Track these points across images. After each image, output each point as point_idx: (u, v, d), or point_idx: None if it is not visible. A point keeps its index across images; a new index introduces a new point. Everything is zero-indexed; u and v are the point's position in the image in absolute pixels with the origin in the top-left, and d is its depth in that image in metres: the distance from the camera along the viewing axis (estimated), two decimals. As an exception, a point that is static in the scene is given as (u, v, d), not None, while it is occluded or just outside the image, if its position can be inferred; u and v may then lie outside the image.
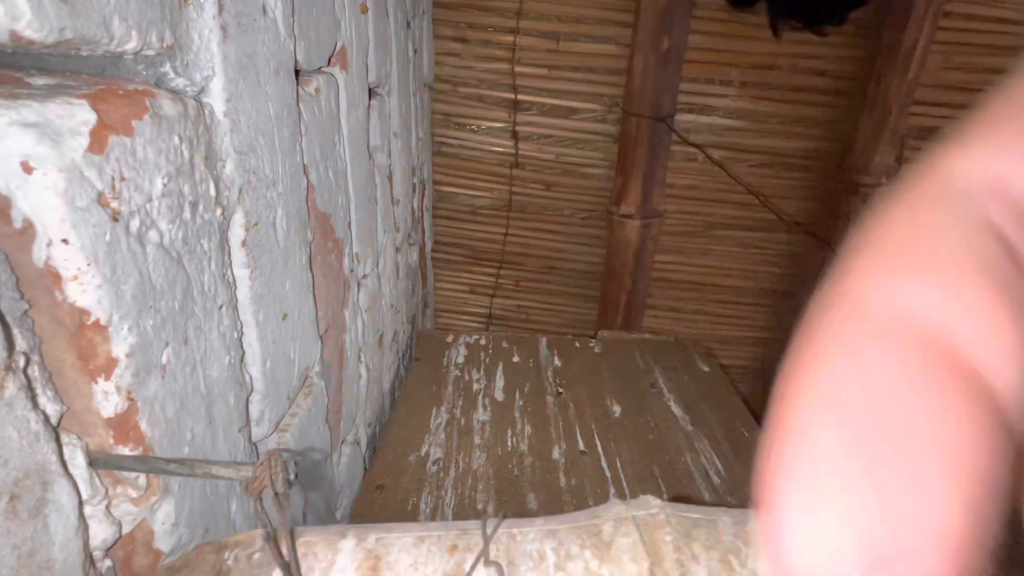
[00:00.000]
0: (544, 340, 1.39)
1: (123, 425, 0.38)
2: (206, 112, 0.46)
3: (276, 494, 0.32)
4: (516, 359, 1.29)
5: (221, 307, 0.48)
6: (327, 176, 0.74)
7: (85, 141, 0.33)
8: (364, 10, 0.85)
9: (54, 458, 0.34)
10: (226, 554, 0.34)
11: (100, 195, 0.34)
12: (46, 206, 0.31)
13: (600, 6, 1.40)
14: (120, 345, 0.36)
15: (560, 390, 1.19)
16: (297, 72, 0.62)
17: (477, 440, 1.03)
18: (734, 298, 1.70)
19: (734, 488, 0.94)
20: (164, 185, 0.40)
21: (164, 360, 0.41)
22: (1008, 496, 0.10)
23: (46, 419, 0.34)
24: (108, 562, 0.39)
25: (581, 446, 1.02)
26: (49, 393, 0.34)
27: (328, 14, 0.70)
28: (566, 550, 0.32)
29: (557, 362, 1.30)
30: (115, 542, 0.39)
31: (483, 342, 1.36)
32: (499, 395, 1.16)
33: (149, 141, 0.38)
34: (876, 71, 1.35)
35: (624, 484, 0.95)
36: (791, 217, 1.57)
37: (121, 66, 0.41)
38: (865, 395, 0.11)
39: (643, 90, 1.40)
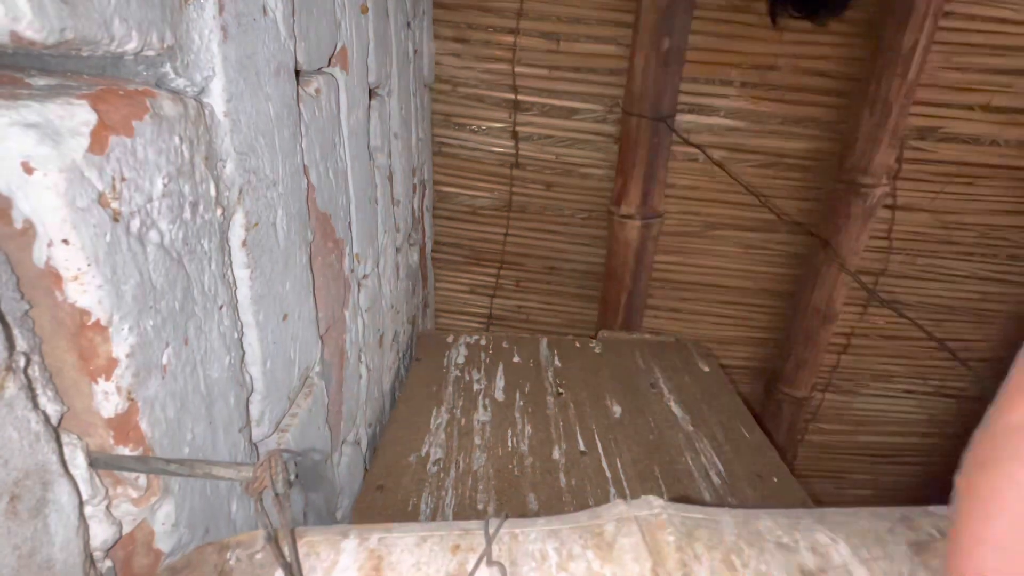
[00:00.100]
0: (544, 340, 1.39)
1: (123, 425, 0.38)
2: (206, 112, 0.46)
3: (277, 494, 0.32)
4: (516, 359, 1.29)
5: (221, 307, 0.48)
6: (327, 176, 0.74)
7: (86, 141, 0.33)
8: (364, 10, 0.85)
9: (54, 458, 0.34)
10: (228, 554, 0.34)
11: (100, 195, 0.34)
12: (47, 207, 0.31)
13: (600, 6, 1.40)
14: (120, 345, 0.36)
15: (560, 390, 1.19)
16: (297, 72, 0.62)
17: (477, 440, 1.02)
18: (735, 298, 1.70)
19: (735, 488, 0.94)
20: (164, 185, 0.40)
21: (164, 360, 0.41)
22: None
23: (46, 419, 0.34)
24: (108, 562, 0.39)
25: (581, 446, 1.02)
26: (49, 393, 0.34)
27: (328, 14, 0.70)
28: (568, 550, 0.32)
29: (557, 362, 1.30)
30: (115, 542, 0.39)
31: (483, 342, 1.36)
32: (499, 395, 1.16)
33: (149, 141, 0.38)
34: (877, 71, 1.35)
35: (625, 484, 0.95)
36: (791, 217, 1.57)
37: (121, 66, 0.41)
38: None
39: (643, 90, 1.40)
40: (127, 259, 0.36)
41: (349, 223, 0.84)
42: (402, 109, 1.14)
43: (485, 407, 1.12)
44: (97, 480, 0.37)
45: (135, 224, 0.37)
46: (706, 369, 1.31)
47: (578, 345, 1.39)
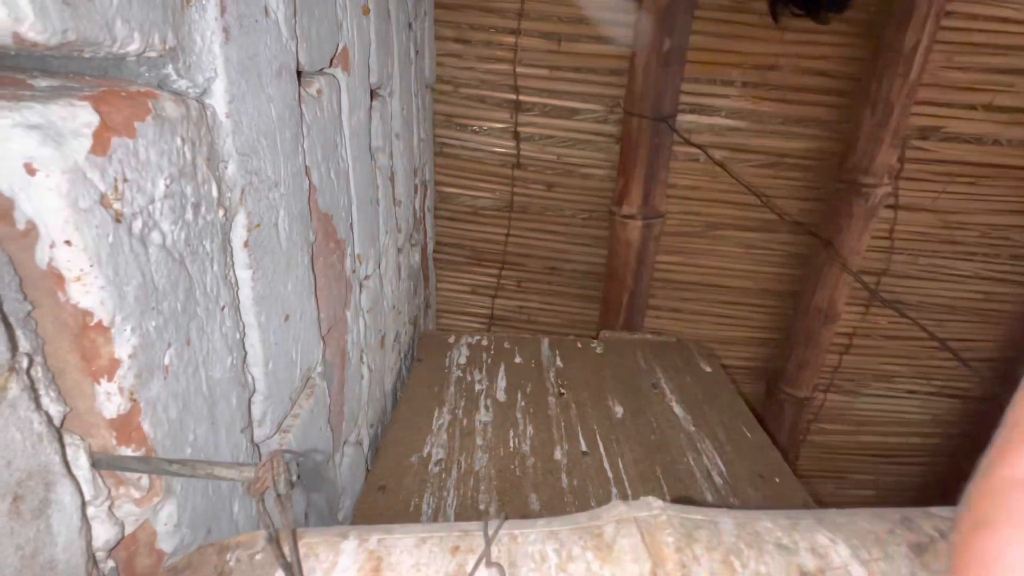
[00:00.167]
0: (546, 341, 1.39)
1: (126, 426, 0.38)
2: (208, 114, 0.46)
3: (278, 495, 0.32)
4: (518, 360, 1.29)
5: (223, 308, 0.48)
6: (329, 177, 0.74)
7: (88, 143, 0.33)
8: (366, 11, 0.85)
9: (57, 459, 0.34)
10: (228, 555, 0.34)
11: (103, 196, 0.34)
12: (49, 208, 0.32)
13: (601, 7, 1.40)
14: (123, 346, 0.36)
15: (562, 391, 1.19)
16: (299, 73, 0.62)
17: (479, 441, 1.03)
18: (736, 298, 1.70)
19: (736, 489, 0.94)
20: (166, 186, 0.40)
21: (167, 361, 0.41)
22: None
23: (49, 420, 0.34)
24: (111, 563, 0.39)
25: (583, 447, 1.02)
26: (52, 394, 0.34)
27: (330, 15, 0.70)
28: (568, 551, 0.32)
29: (559, 362, 1.30)
30: (118, 543, 0.39)
31: (485, 343, 1.36)
32: (501, 396, 1.16)
33: (151, 143, 0.38)
34: (878, 71, 1.35)
35: (627, 485, 0.95)
36: (793, 217, 1.56)
37: (123, 68, 0.41)
38: None
39: (644, 90, 1.40)
40: (129, 260, 0.36)
41: (351, 224, 0.84)
42: (404, 110, 1.14)
43: (487, 407, 1.12)
44: (100, 481, 0.37)
45: (137, 225, 0.37)
46: (708, 369, 1.31)
47: (579, 345, 1.39)
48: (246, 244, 0.52)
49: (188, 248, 0.43)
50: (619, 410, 1.13)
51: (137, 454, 0.38)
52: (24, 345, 0.32)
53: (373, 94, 0.93)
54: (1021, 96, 1.40)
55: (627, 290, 1.63)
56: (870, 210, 1.45)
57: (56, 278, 0.33)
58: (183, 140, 0.41)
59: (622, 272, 1.62)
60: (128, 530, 0.39)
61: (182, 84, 0.44)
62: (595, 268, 1.68)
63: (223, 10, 0.45)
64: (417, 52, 1.26)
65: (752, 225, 1.60)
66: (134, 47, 0.38)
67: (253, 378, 0.56)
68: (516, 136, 1.54)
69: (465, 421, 1.07)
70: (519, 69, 1.46)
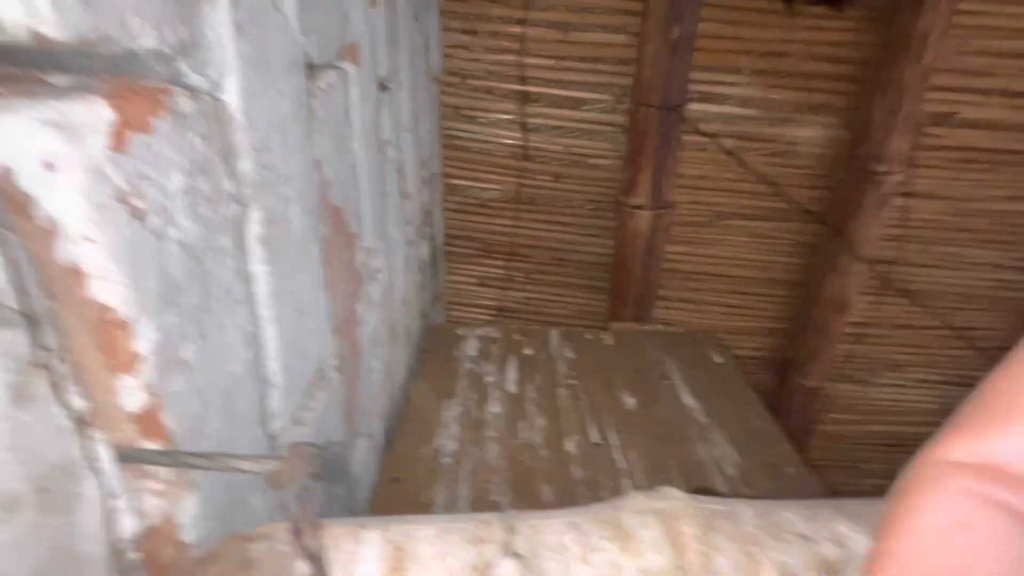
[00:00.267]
0: (555, 332, 1.39)
1: (148, 420, 0.38)
2: (222, 108, 0.46)
3: (300, 487, 0.32)
4: (528, 351, 1.29)
5: (240, 304, 0.49)
6: (339, 170, 0.74)
7: (106, 139, 0.33)
8: (373, 4, 0.85)
9: (81, 453, 0.35)
10: (252, 546, 0.34)
11: (122, 193, 0.34)
12: (69, 204, 0.32)
13: (609, -5, 1.39)
14: (143, 341, 0.37)
15: (572, 382, 1.19)
16: (309, 67, 0.62)
17: (490, 433, 1.03)
18: (746, 288, 1.69)
19: (749, 479, 0.94)
20: (183, 181, 0.40)
21: (186, 356, 0.41)
22: None
23: (73, 415, 0.34)
24: (135, 554, 0.39)
25: (594, 438, 1.02)
26: (76, 389, 0.35)
27: (338, 8, 0.70)
28: (589, 542, 0.33)
29: (569, 354, 1.30)
30: (142, 535, 0.39)
31: (495, 335, 1.36)
32: (511, 387, 1.16)
33: (167, 138, 0.38)
34: (890, 57, 1.33)
35: (638, 476, 0.95)
36: (804, 206, 1.55)
37: (138, 64, 0.41)
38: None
39: (653, 79, 1.39)
40: (148, 256, 0.36)
41: (361, 217, 0.84)
42: (412, 102, 1.14)
43: (497, 399, 1.12)
44: (123, 474, 0.38)
45: (155, 221, 0.37)
46: (719, 360, 1.30)
47: (589, 337, 1.39)
48: (261, 239, 0.53)
49: (205, 244, 0.43)
50: (630, 401, 1.13)
51: (159, 447, 0.39)
52: (47, 341, 0.33)
53: (382, 87, 0.93)
54: (1037, 80, 1.37)
55: (636, 280, 1.62)
56: (882, 198, 1.44)
57: (77, 274, 0.33)
58: (198, 135, 0.41)
59: (631, 262, 1.61)
60: (152, 522, 0.40)
61: (195, 79, 0.44)
62: (604, 259, 1.68)
63: (235, 4, 0.45)
64: (424, 44, 1.26)
65: (762, 214, 1.59)
66: (148, 42, 0.38)
67: (269, 372, 0.56)
68: (524, 127, 1.53)
69: (476, 413, 1.08)
70: (526, 59, 1.45)
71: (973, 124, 1.43)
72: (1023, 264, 1.58)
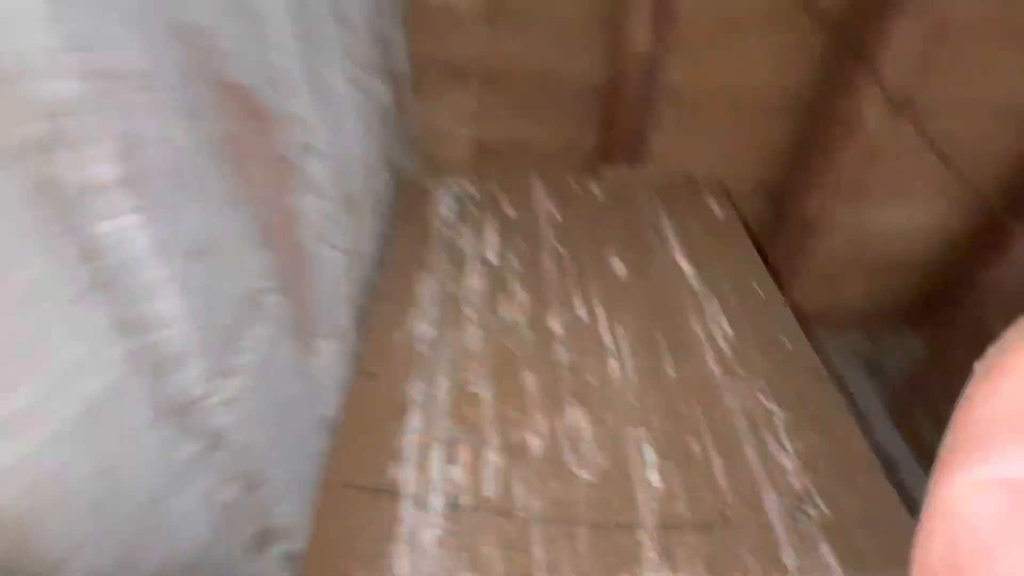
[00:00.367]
0: (539, 183, 1.24)
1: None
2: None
3: None
4: (509, 211, 1.16)
5: (88, 296, 0.35)
6: (237, 30, 0.53)
7: None
8: None
9: None
10: None
11: None
12: None
13: None
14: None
15: (557, 247, 1.08)
16: None
17: (468, 312, 0.95)
18: (751, 113, 1.49)
19: (743, 356, 0.89)
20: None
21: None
22: None
23: None
24: None
25: (580, 314, 0.95)
26: None
27: None
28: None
29: (553, 210, 1.17)
30: None
31: (471, 191, 1.22)
32: (492, 257, 1.06)
33: None
34: None
35: (626, 355, 0.90)
36: (822, 18, 1.29)
37: None
38: None
39: None
40: None
41: (278, 82, 0.65)
42: None
43: (476, 272, 1.02)
44: None
45: None
46: (719, 213, 1.18)
47: (576, 186, 1.24)
48: (121, 180, 0.37)
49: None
50: (620, 268, 1.04)
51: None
52: None
53: None
54: None
55: (630, 109, 1.42)
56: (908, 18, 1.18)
57: None
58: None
59: (625, 86, 1.39)
60: None
61: None
62: (595, 84, 1.45)
63: None
64: None
65: (777, 26, 1.33)
66: None
67: (170, 348, 0.44)
68: (494, -87, 1.19)
69: (453, 289, 0.99)
70: None
71: None
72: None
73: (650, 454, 0.74)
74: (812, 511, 0.70)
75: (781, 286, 1.06)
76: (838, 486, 0.72)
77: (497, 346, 0.90)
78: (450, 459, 0.75)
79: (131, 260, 0.39)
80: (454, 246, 1.08)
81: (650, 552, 0.65)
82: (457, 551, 0.66)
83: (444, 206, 1.17)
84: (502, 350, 0.89)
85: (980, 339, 0.22)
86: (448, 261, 1.04)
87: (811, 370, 0.88)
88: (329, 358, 0.81)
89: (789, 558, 0.65)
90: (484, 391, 0.84)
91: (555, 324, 0.94)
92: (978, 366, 0.21)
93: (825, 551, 0.66)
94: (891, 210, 1.69)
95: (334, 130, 0.84)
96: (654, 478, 0.72)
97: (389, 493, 0.71)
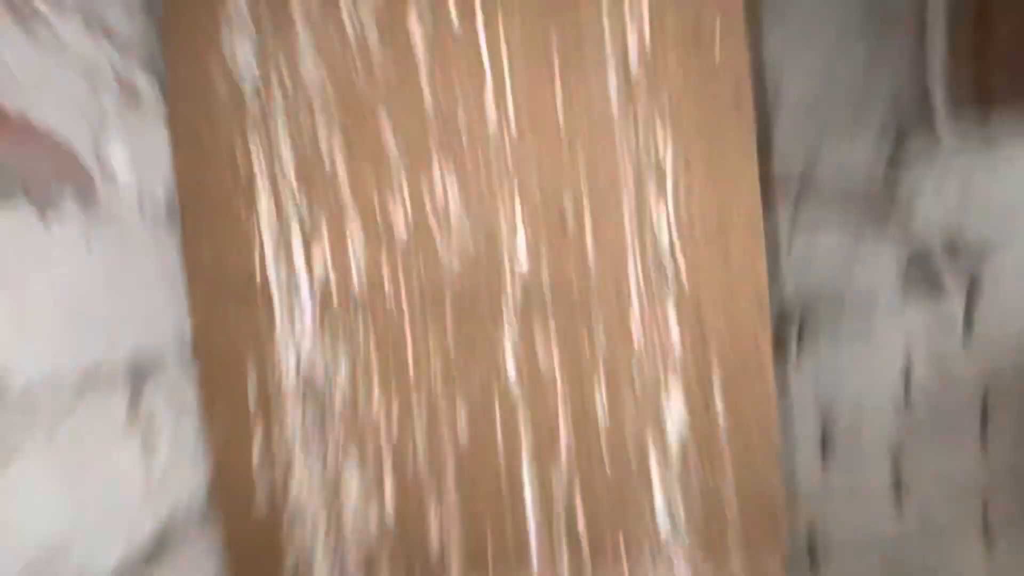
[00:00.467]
0: None
1: None
2: None
3: None
4: None
5: None
6: None
7: None
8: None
9: None
10: None
11: None
12: None
13: None
14: None
15: None
16: None
17: (298, 22, 0.70)
18: None
19: (658, 72, 0.70)
20: None
21: None
22: None
23: None
24: None
25: (453, 18, 0.71)
26: None
27: None
28: None
29: None
30: None
31: None
32: (316, -89, 0.70)
33: None
34: None
35: (510, 73, 0.71)
36: None
37: None
38: None
39: None
40: None
41: None
42: None
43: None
44: None
45: None
46: None
47: None
48: None
49: None
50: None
51: None
52: None
53: None
54: None
55: None
56: None
57: None
58: None
59: None
60: None
61: None
62: None
63: None
64: None
65: None
66: None
67: None
68: None
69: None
70: None
71: None
72: None
73: (520, 237, 0.69)
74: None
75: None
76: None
77: (343, 81, 0.70)
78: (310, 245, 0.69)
79: None
80: None
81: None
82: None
83: None
84: (352, 88, 0.70)
85: None
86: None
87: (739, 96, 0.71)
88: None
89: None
90: (336, 149, 0.70)
91: (415, 27, 0.71)
92: None
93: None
94: None
95: None
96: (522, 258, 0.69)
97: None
